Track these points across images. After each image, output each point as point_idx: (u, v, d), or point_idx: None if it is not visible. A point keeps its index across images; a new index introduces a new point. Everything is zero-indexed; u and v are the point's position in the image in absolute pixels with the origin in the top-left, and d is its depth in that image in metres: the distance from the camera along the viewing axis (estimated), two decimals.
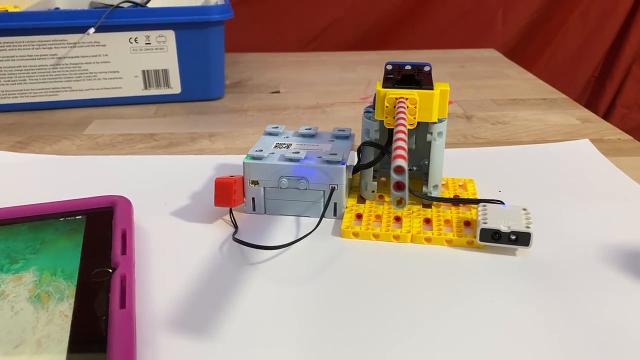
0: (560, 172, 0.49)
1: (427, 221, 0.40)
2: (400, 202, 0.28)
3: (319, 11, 1.24)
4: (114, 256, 0.33)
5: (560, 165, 0.50)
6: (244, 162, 0.41)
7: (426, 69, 0.41)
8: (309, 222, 0.40)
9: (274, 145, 0.43)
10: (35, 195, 0.42)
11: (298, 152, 0.41)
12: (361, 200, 0.43)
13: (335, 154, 0.40)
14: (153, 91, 0.68)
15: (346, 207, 0.42)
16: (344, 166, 0.40)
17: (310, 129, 0.45)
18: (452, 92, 0.73)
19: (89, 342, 0.27)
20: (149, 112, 0.66)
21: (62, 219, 0.37)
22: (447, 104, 0.39)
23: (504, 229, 0.36)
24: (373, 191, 0.43)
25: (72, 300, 0.30)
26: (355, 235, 0.39)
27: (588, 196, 0.45)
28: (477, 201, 0.41)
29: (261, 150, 0.41)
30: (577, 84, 1.35)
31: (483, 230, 0.36)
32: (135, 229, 0.39)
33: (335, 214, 0.41)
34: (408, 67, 0.41)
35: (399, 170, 0.27)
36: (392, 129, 0.36)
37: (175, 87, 0.68)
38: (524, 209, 0.38)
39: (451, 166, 0.46)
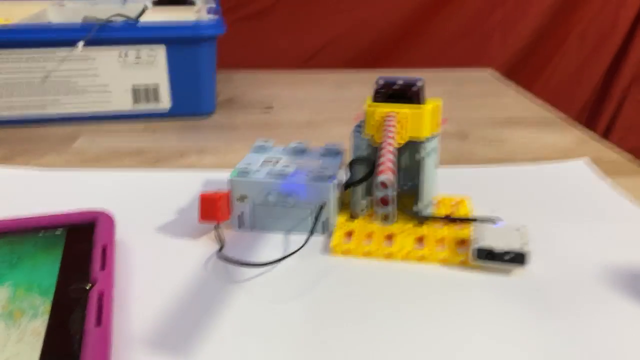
0: (557, 192, 0.48)
1: (420, 240, 0.39)
2: (386, 218, 0.27)
3: (316, 29, 1.24)
4: (92, 272, 0.32)
5: (557, 185, 0.49)
6: (230, 179, 0.40)
7: (418, 84, 0.40)
8: (297, 240, 0.39)
9: (262, 161, 0.42)
10: (16, 209, 0.40)
11: (287, 168, 0.40)
12: (352, 217, 0.42)
13: (325, 170, 0.39)
14: (143, 106, 0.67)
15: (336, 225, 0.40)
16: (333, 183, 0.39)
17: (300, 144, 0.44)
18: (448, 111, 0.72)
19: None
20: (138, 128, 0.65)
21: (41, 234, 0.36)
22: (438, 121, 0.38)
23: (498, 248, 0.35)
24: (363, 209, 0.42)
25: (46, 317, 0.29)
26: (345, 253, 0.38)
27: (585, 216, 0.44)
28: (471, 219, 0.40)
29: (249, 165, 0.40)
30: (576, 104, 1.34)
31: (477, 250, 0.35)
32: (118, 245, 0.37)
33: (324, 231, 0.40)
34: (400, 83, 0.40)
35: (383, 185, 0.26)
36: None
37: (166, 103, 0.67)
38: (520, 228, 0.37)
39: (445, 185, 0.45)
